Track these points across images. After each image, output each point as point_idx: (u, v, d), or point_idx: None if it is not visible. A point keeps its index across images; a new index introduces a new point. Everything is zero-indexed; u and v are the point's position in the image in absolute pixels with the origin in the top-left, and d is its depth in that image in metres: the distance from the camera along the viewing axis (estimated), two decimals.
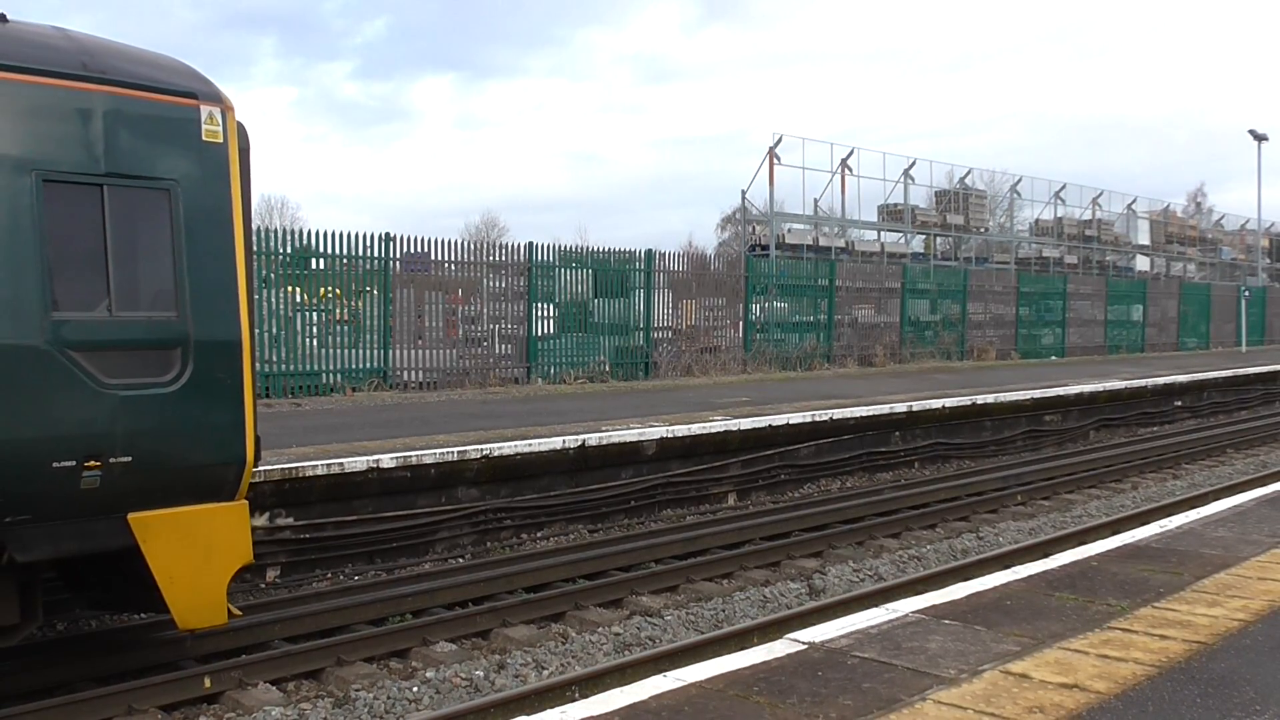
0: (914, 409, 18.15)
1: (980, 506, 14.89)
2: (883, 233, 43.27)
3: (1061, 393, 22.00)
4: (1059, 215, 49.12)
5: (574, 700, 6.58)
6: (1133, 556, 8.56)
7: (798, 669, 5.84)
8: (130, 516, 6.62)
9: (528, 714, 5.83)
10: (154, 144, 6.83)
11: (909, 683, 5.55)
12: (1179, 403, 26.13)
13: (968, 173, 46.01)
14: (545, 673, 8.36)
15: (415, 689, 7.94)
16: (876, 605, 7.92)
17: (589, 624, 9.50)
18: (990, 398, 19.98)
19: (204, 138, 7.03)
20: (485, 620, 9.25)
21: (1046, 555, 10.08)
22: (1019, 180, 47.87)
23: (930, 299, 32.90)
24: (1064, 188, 48.87)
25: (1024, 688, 5.45)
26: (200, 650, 8.26)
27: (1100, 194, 51.06)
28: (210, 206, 7.02)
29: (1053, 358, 35.72)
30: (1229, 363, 33.27)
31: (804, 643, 6.32)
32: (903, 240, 42.87)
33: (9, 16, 6.72)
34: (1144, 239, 54.17)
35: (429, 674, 8.19)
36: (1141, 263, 53.69)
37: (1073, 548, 9.89)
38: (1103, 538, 10.90)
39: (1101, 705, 5.18)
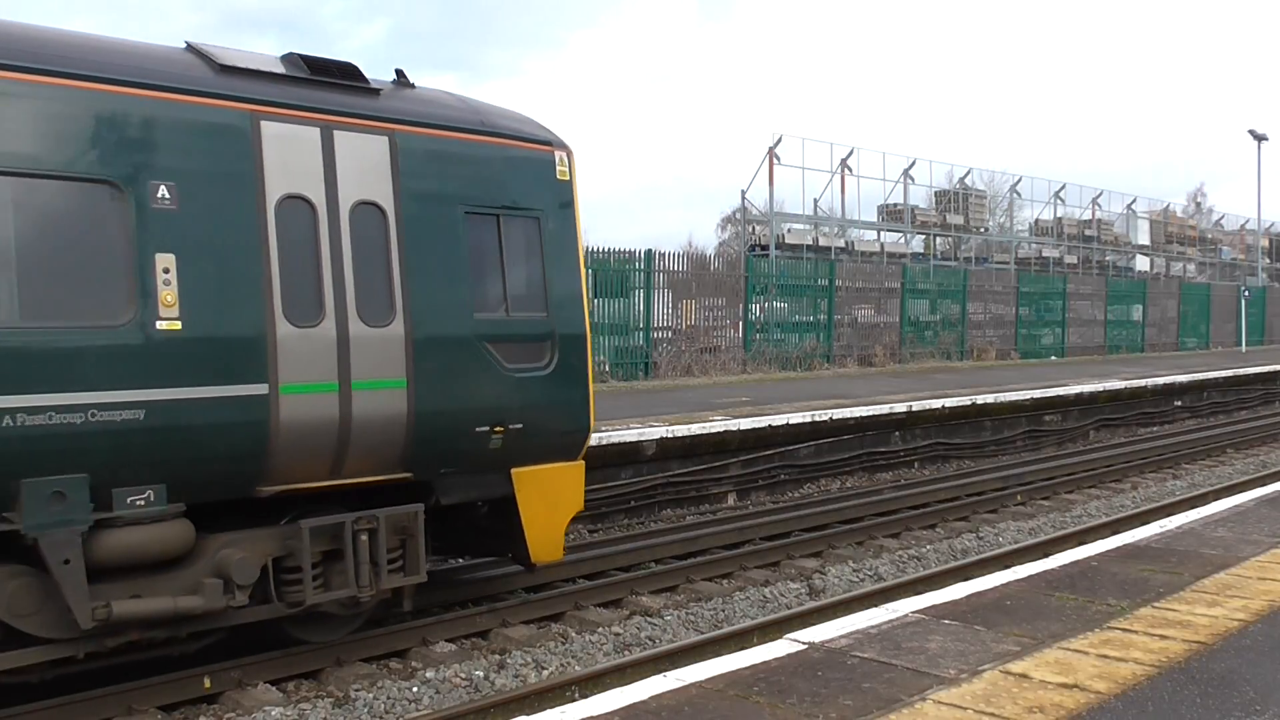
0: (914, 409, 18.14)
1: (980, 506, 14.88)
2: (882, 233, 43.26)
3: (1061, 393, 22.00)
4: (1059, 215, 49.10)
5: (574, 700, 6.58)
6: (1133, 556, 8.56)
7: (798, 669, 5.84)
8: (513, 471, 8.60)
9: (528, 714, 5.82)
10: (529, 182, 8.79)
11: (909, 683, 5.55)
12: (1179, 403, 26.13)
13: (967, 173, 46.01)
14: (545, 672, 8.36)
15: (415, 689, 7.93)
16: (876, 605, 7.92)
17: (589, 624, 9.49)
18: (990, 398, 19.97)
19: (558, 177, 9.03)
20: (485, 620, 9.24)
21: (1046, 555, 10.07)
22: (1019, 180, 47.88)
23: (930, 299, 32.89)
24: (1064, 188, 48.86)
25: (1024, 688, 5.44)
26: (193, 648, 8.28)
27: (1100, 194, 51.07)
28: (563, 230, 8.97)
29: (1052, 358, 35.71)
30: (1229, 363, 33.26)
31: (804, 643, 6.32)
32: (902, 240, 42.86)
33: (413, 81, 8.69)
34: (1144, 239, 54.15)
35: (429, 674, 8.18)
36: (1141, 263, 53.67)
37: (1073, 548, 9.89)
38: (1102, 538, 10.89)
39: (1101, 705, 5.18)
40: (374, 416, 7.71)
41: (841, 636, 6.43)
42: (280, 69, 7.78)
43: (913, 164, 42.04)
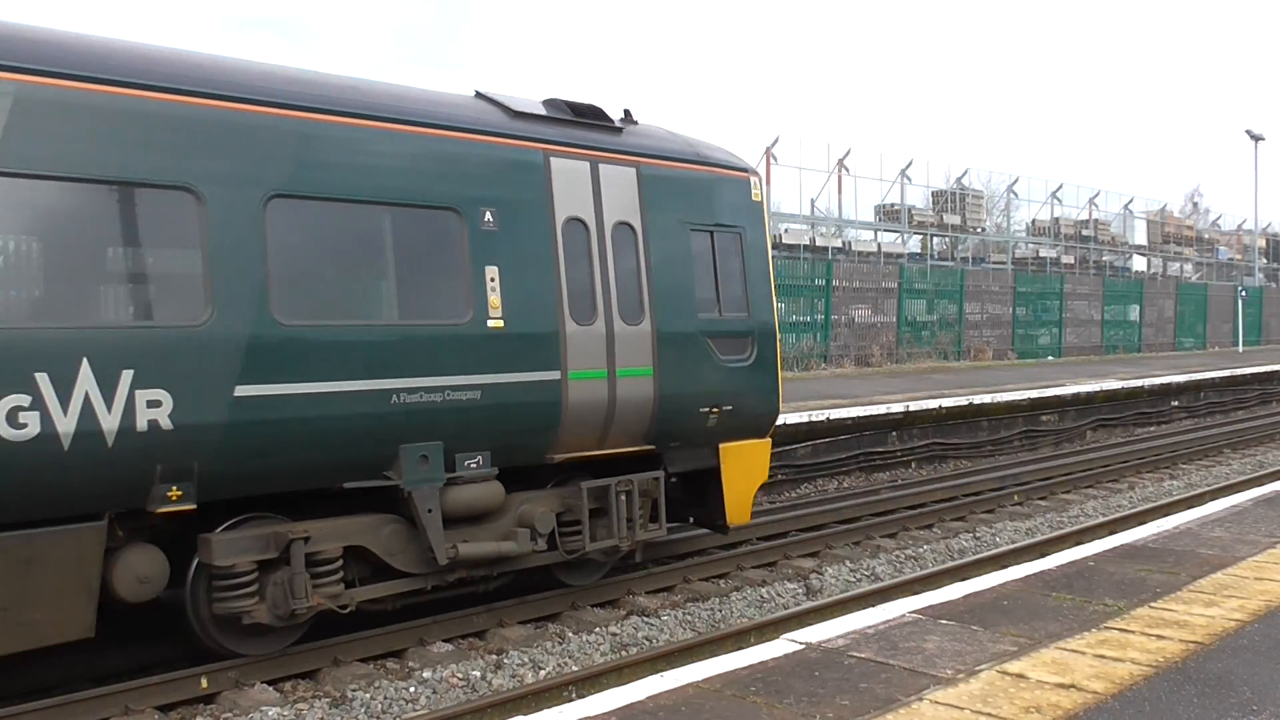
0: (911, 409, 18.15)
1: (977, 506, 14.89)
2: (879, 233, 43.27)
3: (1058, 393, 22.01)
4: (1055, 215, 49.12)
5: (571, 700, 6.59)
6: (1130, 556, 8.57)
7: (795, 669, 5.84)
8: (720, 446, 10.26)
9: (525, 714, 5.83)
10: (732, 203, 10.51)
11: (906, 683, 5.55)
12: (1176, 403, 26.15)
13: (964, 173, 46.03)
14: (542, 673, 8.36)
15: (412, 689, 7.93)
16: (873, 605, 7.93)
17: (585, 624, 9.48)
18: (987, 398, 19.98)
19: (752, 198, 10.75)
20: (482, 620, 9.23)
21: (1043, 555, 10.08)
22: (1015, 180, 47.93)
23: (927, 299, 32.92)
24: (1060, 188, 48.93)
25: (1021, 688, 5.45)
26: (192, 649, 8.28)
27: (1097, 194, 51.13)
28: (757, 244, 10.71)
29: (1049, 358, 35.74)
30: (1226, 363, 33.30)
31: (801, 643, 6.32)
32: (899, 240, 42.87)
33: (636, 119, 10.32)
34: (1140, 239, 54.20)
35: (426, 674, 8.17)
36: (1138, 263, 53.72)
37: (1070, 548, 9.90)
38: (1100, 538, 10.90)
39: (1099, 705, 5.18)
40: (631, 398, 9.44)
41: (839, 637, 6.43)
42: (551, 112, 9.53)
43: (910, 164, 42.08)
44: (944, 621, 6.73)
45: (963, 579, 8.95)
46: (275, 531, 7.68)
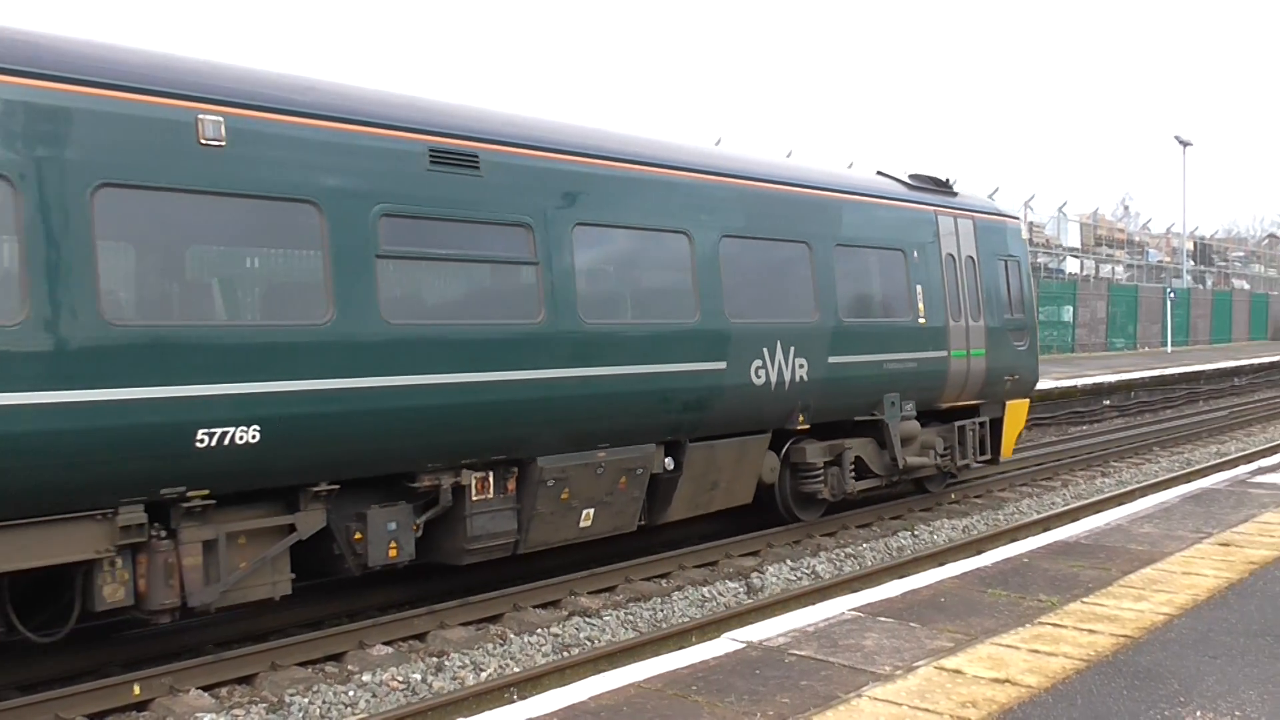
0: None
1: (915, 505, 15.04)
2: None
3: None
4: None
5: (513, 702, 6.56)
6: (1063, 553, 8.74)
7: (736, 668, 5.87)
8: (1007, 403, 15.30)
9: (466, 716, 5.80)
10: (1012, 242, 15.60)
11: (846, 680, 5.61)
12: (1107, 402, 26.70)
13: None
14: (484, 674, 8.31)
15: (351, 693, 7.83)
16: (814, 604, 7.99)
17: (527, 625, 9.44)
18: None
19: (1021, 237, 15.93)
20: (422, 623, 9.15)
21: (980, 553, 10.24)
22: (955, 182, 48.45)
23: None
24: (996, 190, 49.50)
25: (957, 683, 5.53)
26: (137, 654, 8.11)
27: (1032, 197, 51.89)
28: (1025, 268, 15.89)
29: None
30: (1155, 363, 34.05)
31: (742, 642, 6.36)
32: None
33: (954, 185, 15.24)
34: (1074, 241, 55.16)
35: (365, 677, 8.08)
36: (1072, 264, 54.68)
37: (1005, 545, 10.06)
38: (1034, 535, 11.10)
39: (1032, 699, 5.28)
40: (976, 369, 14.37)
41: (780, 635, 6.48)
42: (922, 184, 14.41)
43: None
44: (883, 619, 6.81)
45: (901, 577, 9.06)
46: (833, 444, 12.58)
